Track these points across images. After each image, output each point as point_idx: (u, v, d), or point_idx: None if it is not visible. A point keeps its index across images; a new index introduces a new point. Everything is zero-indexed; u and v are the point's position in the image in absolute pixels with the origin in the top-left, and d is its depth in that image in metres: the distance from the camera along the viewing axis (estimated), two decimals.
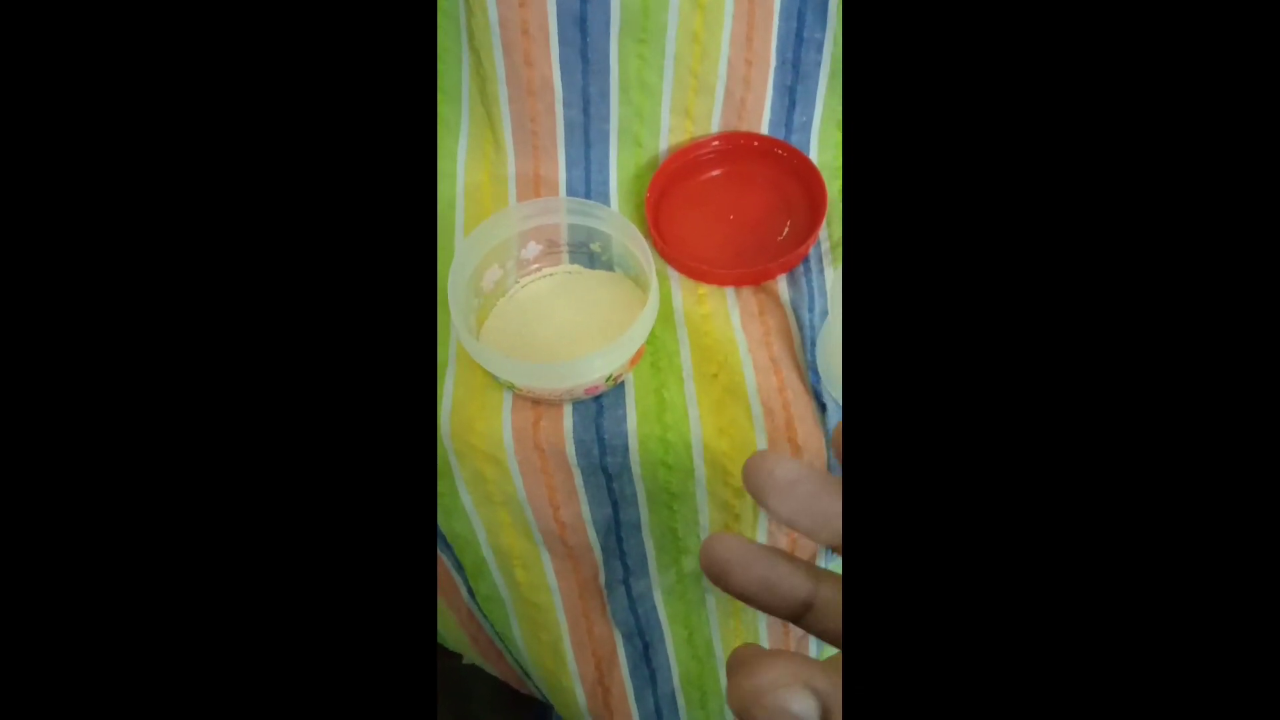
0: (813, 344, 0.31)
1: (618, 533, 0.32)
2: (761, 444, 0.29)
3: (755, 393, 0.30)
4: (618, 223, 0.31)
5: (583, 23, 0.32)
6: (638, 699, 0.37)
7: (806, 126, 0.37)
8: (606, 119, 0.35)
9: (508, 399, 0.31)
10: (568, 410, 0.30)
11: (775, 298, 0.33)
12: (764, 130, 0.37)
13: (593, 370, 0.28)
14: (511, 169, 0.37)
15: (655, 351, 0.32)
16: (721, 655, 0.38)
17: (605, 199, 0.37)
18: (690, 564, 0.34)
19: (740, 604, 0.36)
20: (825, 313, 0.32)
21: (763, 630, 0.38)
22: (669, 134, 0.36)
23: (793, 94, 0.36)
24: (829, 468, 0.29)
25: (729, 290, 0.34)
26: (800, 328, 0.32)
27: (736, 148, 0.36)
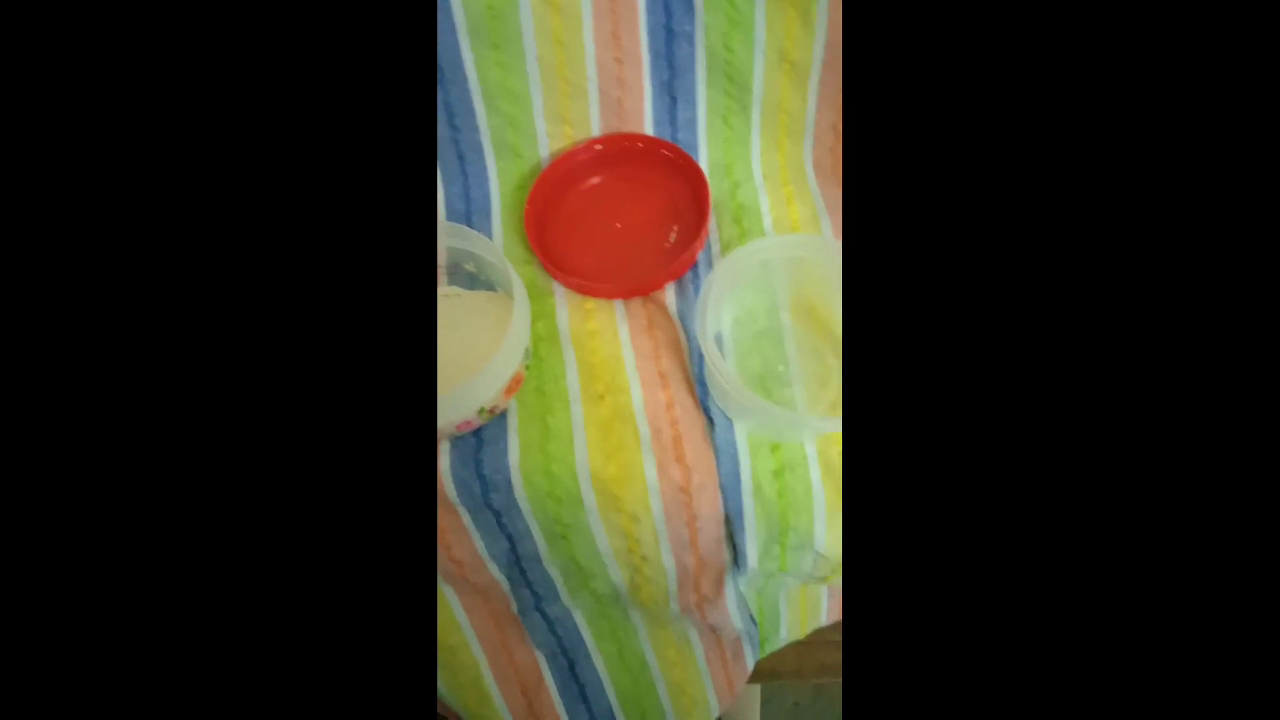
0: (701, 357, 0.30)
1: (519, 564, 0.31)
2: (649, 466, 0.28)
3: (642, 411, 0.29)
4: (485, 245, 0.30)
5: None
6: (570, 716, 0.36)
7: (692, 123, 0.35)
8: (476, 130, 0.33)
9: None
10: (444, 449, 0.29)
11: (664, 308, 0.32)
12: (649, 130, 0.35)
13: (459, 406, 0.27)
14: None
15: (540, 375, 0.31)
16: (657, 668, 0.37)
17: (486, 215, 0.35)
18: (601, 587, 0.33)
19: (666, 617, 0.35)
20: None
21: (695, 639, 0.37)
22: (547, 140, 0.35)
23: (671, 89, 0.34)
24: (718, 482, 0.28)
25: (617, 303, 0.33)
26: (688, 338, 0.31)
27: (620, 150, 0.35)
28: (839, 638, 0.50)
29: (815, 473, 0.28)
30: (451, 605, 0.33)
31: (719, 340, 0.26)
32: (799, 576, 0.34)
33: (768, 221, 0.33)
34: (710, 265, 0.33)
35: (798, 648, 0.45)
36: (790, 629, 0.43)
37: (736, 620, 0.35)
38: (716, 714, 0.40)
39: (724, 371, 0.26)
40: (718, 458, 0.29)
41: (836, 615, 0.43)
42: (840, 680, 0.51)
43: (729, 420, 0.29)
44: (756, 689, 0.60)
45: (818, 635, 0.45)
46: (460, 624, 0.33)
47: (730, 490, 0.29)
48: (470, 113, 0.33)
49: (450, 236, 0.31)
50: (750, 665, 0.40)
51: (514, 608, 0.34)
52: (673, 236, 0.33)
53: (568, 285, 0.33)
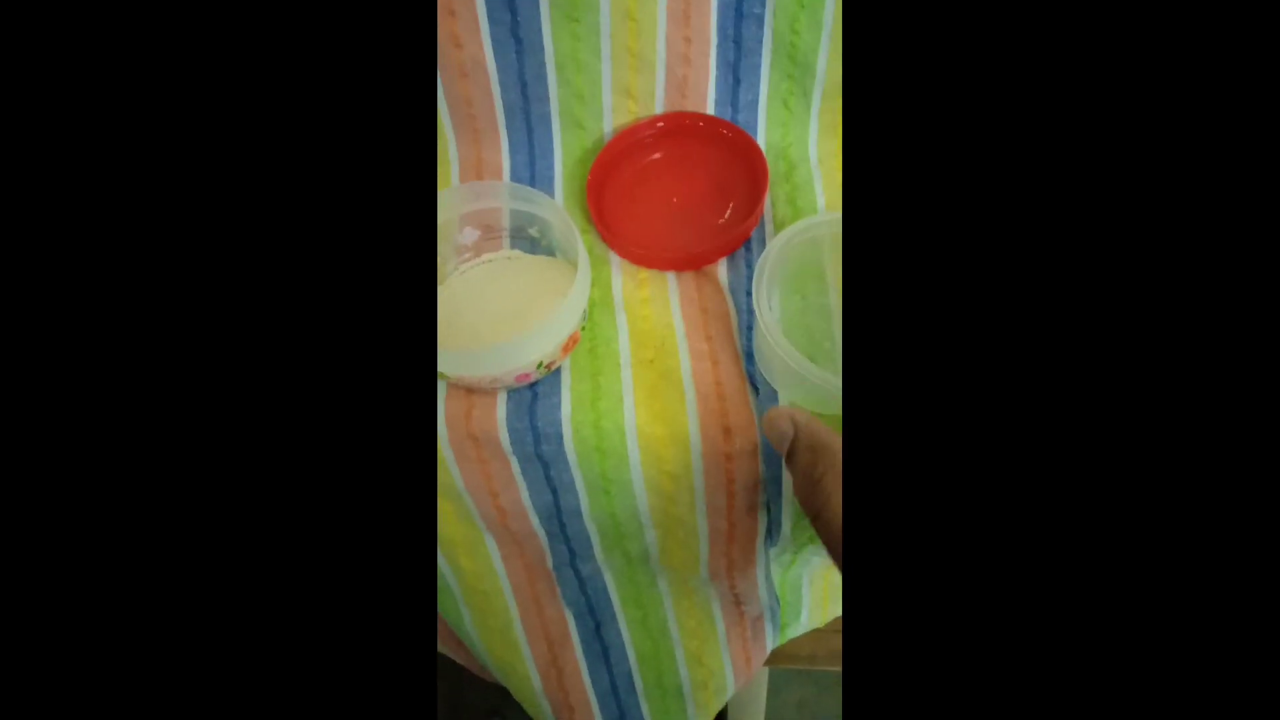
0: (749, 328, 0.31)
1: (559, 518, 0.32)
2: (694, 428, 0.29)
3: (689, 377, 0.30)
4: (551, 208, 0.31)
5: (511, 1, 0.31)
6: (591, 676, 0.37)
7: (753, 105, 0.36)
8: (546, 100, 0.35)
9: (442, 389, 0.30)
10: (501, 398, 0.30)
11: (715, 281, 0.33)
12: (710, 109, 0.36)
13: (520, 357, 0.28)
14: (454, 152, 0.36)
15: (593, 337, 0.32)
16: (677, 635, 0.38)
17: (550, 184, 0.36)
18: (634, 548, 0.34)
19: (693, 585, 0.36)
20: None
21: (717, 613, 0.38)
22: (612, 114, 0.36)
23: (736, 71, 0.35)
24: (759, 449, 0.29)
25: (670, 275, 0.34)
26: (737, 312, 0.32)
27: (680, 128, 0.36)
28: None
29: None
30: (490, 553, 0.34)
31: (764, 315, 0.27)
32: (827, 554, 0.35)
33: (821, 203, 0.34)
34: (764, 243, 0.34)
35: (813, 634, 0.46)
36: (812, 614, 0.43)
37: (763, 593, 0.36)
38: (732, 689, 0.41)
39: (773, 334, 0.26)
40: (760, 427, 0.29)
41: None
42: None
43: (774, 391, 0.30)
44: (764, 680, 0.60)
45: (837, 623, 0.45)
46: (497, 572, 0.34)
47: (770, 459, 0.29)
48: (543, 83, 0.34)
49: (515, 199, 0.32)
50: (770, 645, 0.41)
51: (549, 562, 0.35)
52: (728, 213, 0.34)
53: (624, 255, 0.34)
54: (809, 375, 0.26)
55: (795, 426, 0.24)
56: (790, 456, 0.24)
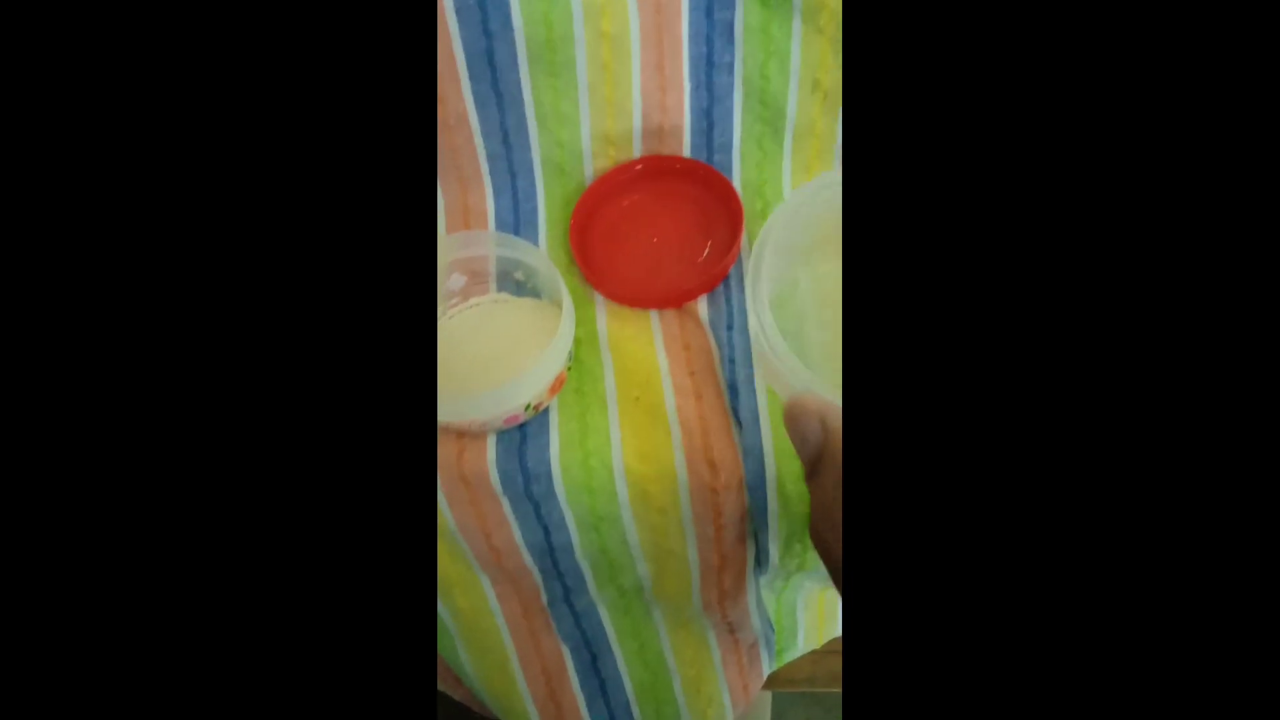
0: (731, 361, 0.32)
1: (552, 555, 0.33)
2: (680, 464, 0.30)
3: (674, 413, 0.31)
4: (534, 254, 0.32)
5: (490, 58, 0.32)
6: (590, 709, 0.38)
7: (728, 146, 0.37)
8: (528, 149, 0.36)
9: None
10: (491, 440, 0.31)
11: (696, 318, 0.34)
12: (686, 152, 0.37)
13: (508, 401, 0.29)
14: (440, 199, 0.37)
15: (580, 377, 0.33)
16: (674, 665, 0.39)
17: (534, 227, 0.37)
18: (627, 581, 0.35)
19: (688, 615, 0.37)
20: (744, 330, 0.33)
21: (712, 641, 0.39)
22: (592, 159, 0.37)
23: (710, 115, 0.36)
24: (743, 483, 0.30)
25: (653, 313, 0.35)
26: (718, 346, 0.33)
27: (659, 170, 0.37)
28: None
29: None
30: (485, 591, 0.35)
31: (760, 319, 0.25)
32: (819, 579, 0.35)
33: None
34: (742, 280, 0.35)
35: (812, 656, 0.46)
36: (808, 637, 0.44)
37: (755, 620, 0.37)
38: (730, 716, 0.41)
39: (772, 339, 0.23)
40: (744, 460, 0.30)
41: None
42: None
43: (757, 424, 0.31)
44: (768, 704, 0.60)
45: (833, 644, 0.46)
46: (492, 610, 0.35)
47: (755, 490, 0.30)
48: (524, 133, 0.35)
49: (500, 246, 0.34)
50: (766, 670, 0.42)
51: (544, 598, 0.35)
52: (706, 252, 0.36)
53: (608, 295, 0.35)
54: (810, 386, 0.22)
55: (825, 433, 0.18)
56: (814, 473, 0.19)
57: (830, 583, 0.35)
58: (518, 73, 0.33)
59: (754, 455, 0.30)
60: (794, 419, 0.19)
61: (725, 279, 0.35)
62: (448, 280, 0.34)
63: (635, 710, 0.39)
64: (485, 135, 0.35)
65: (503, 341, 0.33)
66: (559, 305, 0.34)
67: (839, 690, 0.52)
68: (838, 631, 0.44)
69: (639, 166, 0.37)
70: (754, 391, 0.31)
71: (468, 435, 0.31)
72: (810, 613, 0.43)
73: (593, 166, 0.37)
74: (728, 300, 0.34)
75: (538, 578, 0.34)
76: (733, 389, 0.32)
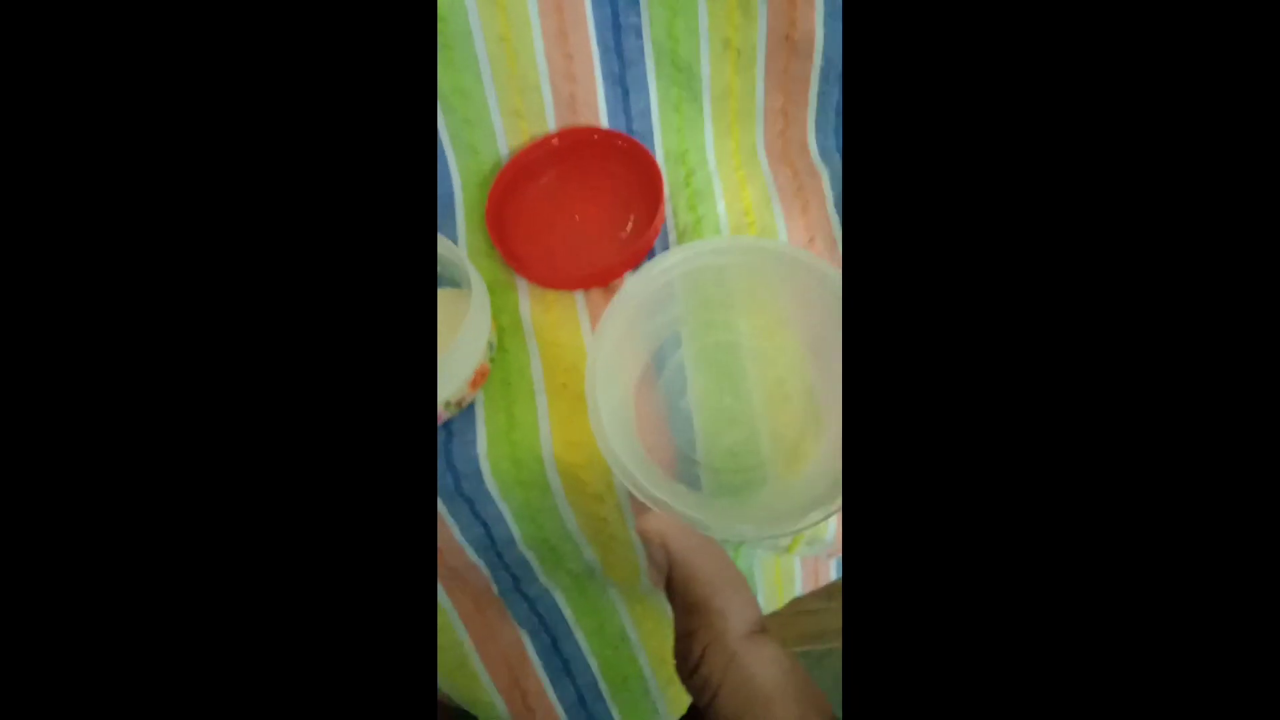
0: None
1: (495, 548, 0.33)
2: None
3: None
4: (443, 242, 0.31)
5: None
6: (556, 690, 0.38)
7: (646, 113, 0.36)
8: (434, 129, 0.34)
9: None
10: None
11: None
12: (603, 122, 0.36)
13: None
14: None
15: (506, 367, 0.32)
16: (636, 639, 0.39)
17: (451, 212, 0.36)
18: (576, 566, 0.34)
19: (643, 590, 0.37)
20: None
21: (669, 612, 0.39)
22: (505, 136, 0.35)
23: (623, 81, 0.35)
24: (675, 459, 0.30)
25: (578, 294, 0.34)
26: None
27: (576, 143, 0.36)
28: (817, 606, 0.52)
29: (766, 448, 0.29)
30: (435, 589, 0.34)
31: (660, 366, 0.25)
32: (765, 548, 0.35)
33: (720, 205, 0.34)
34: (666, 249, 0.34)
35: (778, 618, 0.47)
36: (768, 600, 0.44)
37: None
38: None
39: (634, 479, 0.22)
40: (675, 440, 0.30)
41: (811, 585, 0.45)
42: (822, 647, 0.53)
43: (685, 406, 0.30)
44: None
45: (796, 605, 0.47)
46: (444, 608, 0.35)
47: (686, 465, 0.30)
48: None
49: None
50: None
51: (495, 590, 0.35)
52: (629, 226, 0.34)
53: (529, 278, 0.34)
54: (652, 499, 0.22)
55: (670, 564, 0.17)
56: (670, 596, 0.18)
57: (776, 552, 0.35)
58: None
59: (685, 437, 0.30)
60: (643, 537, 0.20)
61: (650, 252, 0.34)
62: None
63: (602, 686, 0.39)
64: None
65: None
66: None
67: (807, 648, 0.54)
68: (796, 593, 0.45)
69: (555, 141, 0.35)
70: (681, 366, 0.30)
71: None
72: (768, 576, 0.44)
73: (507, 144, 0.36)
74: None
75: (485, 571, 0.34)
76: (660, 368, 0.31)
